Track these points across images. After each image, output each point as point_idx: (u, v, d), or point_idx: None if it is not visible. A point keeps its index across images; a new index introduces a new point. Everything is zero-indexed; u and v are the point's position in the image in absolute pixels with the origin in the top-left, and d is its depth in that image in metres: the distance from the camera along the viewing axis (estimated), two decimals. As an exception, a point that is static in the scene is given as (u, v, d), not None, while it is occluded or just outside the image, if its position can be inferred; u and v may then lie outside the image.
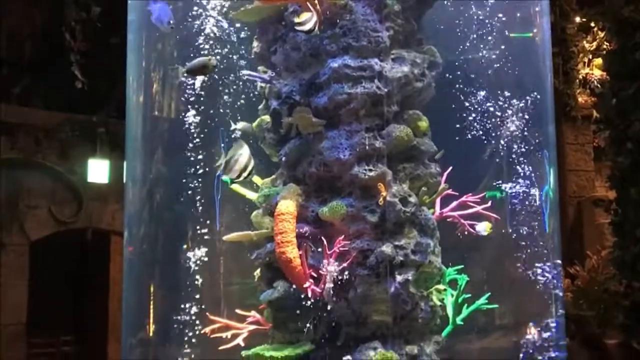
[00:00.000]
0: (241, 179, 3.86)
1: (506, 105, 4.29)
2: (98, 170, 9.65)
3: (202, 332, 4.03)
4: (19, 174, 9.33)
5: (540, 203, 4.33)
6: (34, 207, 9.48)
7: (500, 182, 4.29)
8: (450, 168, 4.11)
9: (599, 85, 10.56)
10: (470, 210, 4.14)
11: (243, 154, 3.82)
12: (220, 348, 3.98)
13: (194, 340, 4.11)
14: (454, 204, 4.13)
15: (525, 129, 4.31)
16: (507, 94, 4.30)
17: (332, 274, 3.70)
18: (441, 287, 4.00)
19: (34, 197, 9.49)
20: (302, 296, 3.75)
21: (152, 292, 4.29)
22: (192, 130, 4.17)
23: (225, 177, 3.91)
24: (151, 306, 4.26)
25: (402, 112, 4.02)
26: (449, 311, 4.02)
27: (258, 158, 4.03)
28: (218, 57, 4.11)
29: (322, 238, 3.76)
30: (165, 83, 4.42)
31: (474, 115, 4.25)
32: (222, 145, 4.01)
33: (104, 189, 9.80)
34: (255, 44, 4.31)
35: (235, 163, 3.80)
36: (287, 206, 3.81)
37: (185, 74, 3.94)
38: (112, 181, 9.65)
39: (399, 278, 3.78)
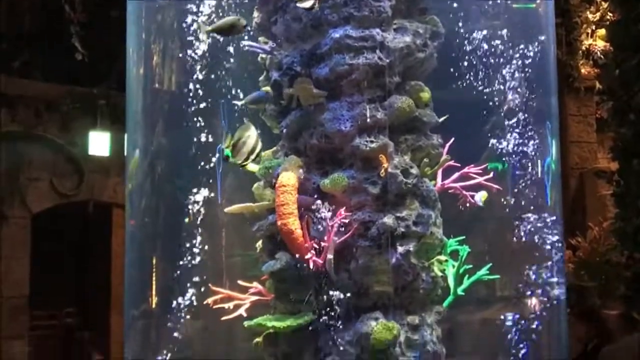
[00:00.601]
0: (249, 161, 3.85)
1: (508, 76, 4.27)
2: (99, 143, 9.64)
3: (205, 303, 4.04)
4: (20, 147, 9.33)
5: (542, 175, 4.33)
6: (35, 179, 9.48)
7: (501, 153, 4.28)
8: (452, 139, 4.09)
9: (602, 57, 10.50)
10: (471, 182, 4.13)
11: (251, 136, 3.81)
12: (223, 318, 4.00)
13: (196, 311, 4.14)
14: (456, 175, 4.12)
15: (528, 100, 4.29)
16: (509, 65, 4.27)
17: (333, 246, 3.70)
18: (442, 258, 4.00)
19: (35, 169, 9.49)
20: (304, 267, 3.76)
21: (154, 264, 4.30)
22: (194, 103, 4.16)
23: (226, 151, 3.90)
24: (153, 279, 4.27)
25: (404, 83, 4.00)
26: (450, 282, 4.03)
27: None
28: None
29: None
30: (166, 55, 4.40)
31: (475, 86, 4.22)
32: (223, 120, 4.00)
33: (105, 162, 9.79)
34: (255, 14, 4.28)
35: (243, 145, 3.79)
36: (289, 178, 3.80)
37: (210, 33, 3.91)
38: (113, 154, 9.64)
39: (400, 249, 3.78)
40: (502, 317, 4.20)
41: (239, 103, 4.12)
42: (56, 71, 9.49)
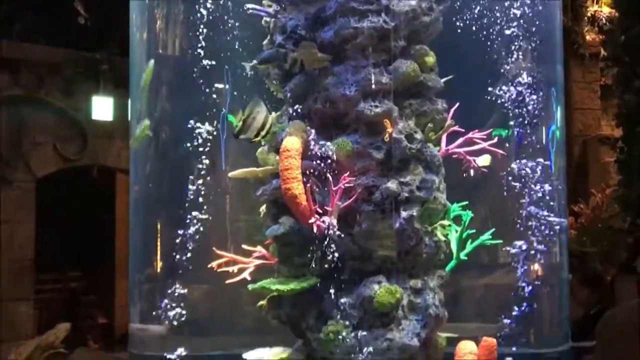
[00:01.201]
0: (259, 137, 3.84)
1: (513, 42, 4.25)
2: (102, 108, 9.64)
3: (209, 266, 4.07)
4: (23, 111, 9.32)
5: (546, 142, 4.32)
6: (39, 144, 9.49)
7: (506, 119, 4.27)
8: (457, 104, 4.07)
9: (607, 23, 10.44)
10: (475, 147, 4.12)
11: (261, 112, 3.80)
12: (227, 282, 4.03)
13: (201, 275, 4.16)
14: (460, 140, 4.12)
15: (533, 66, 4.27)
16: (514, 32, 4.24)
17: (337, 210, 3.71)
18: (445, 222, 4.01)
19: (39, 134, 9.49)
20: (308, 231, 3.77)
21: (158, 229, 4.32)
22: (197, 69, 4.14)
23: (230, 117, 3.89)
24: (158, 243, 4.29)
25: (409, 47, 3.97)
26: (453, 246, 4.05)
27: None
28: None
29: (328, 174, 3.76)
30: (169, 19, 4.37)
31: (480, 52, 4.20)
32: (227, 85, 3.99)
33: (109, 127, 9.80)
34: (259, -23, 4.24)
35: (253, 121, 3.78)
36: (293, 142, 3.80)
37: None
38: (116, 118, 9.64)
39: (403, 214, 3.79)
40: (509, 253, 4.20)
41: (249, 65, 4.08)
42: (59, 35, 9.45)
